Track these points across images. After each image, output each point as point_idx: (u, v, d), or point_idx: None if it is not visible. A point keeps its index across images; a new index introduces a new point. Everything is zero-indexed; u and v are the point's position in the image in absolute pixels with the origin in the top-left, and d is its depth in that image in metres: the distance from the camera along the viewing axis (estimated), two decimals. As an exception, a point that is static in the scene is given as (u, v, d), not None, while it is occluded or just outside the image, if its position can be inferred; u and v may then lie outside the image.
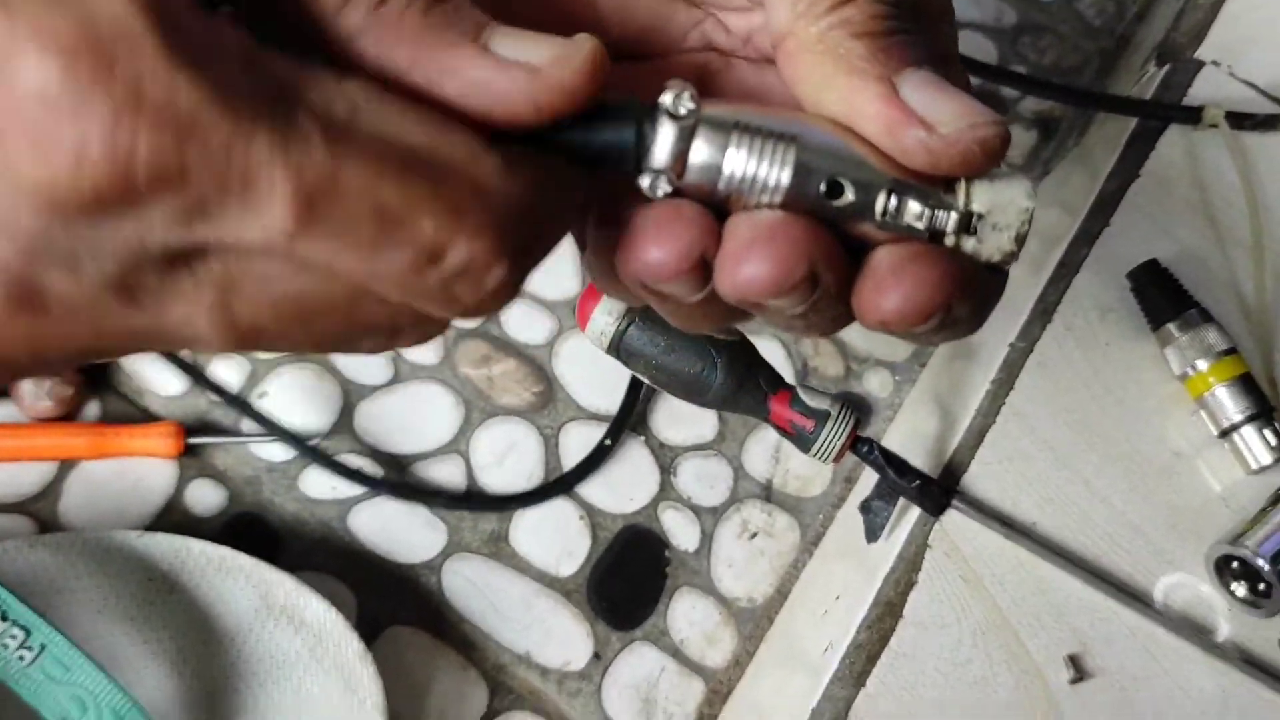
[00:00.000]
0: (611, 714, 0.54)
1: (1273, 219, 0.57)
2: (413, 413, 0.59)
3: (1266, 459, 0.50)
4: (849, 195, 0.22)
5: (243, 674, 0.48)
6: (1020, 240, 0.22)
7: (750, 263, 0.22)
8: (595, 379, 0.62)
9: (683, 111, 0.22)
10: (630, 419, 0.60)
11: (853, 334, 0.67)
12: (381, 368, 0.60)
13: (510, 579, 0.56)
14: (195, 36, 0.17)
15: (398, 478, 0.57)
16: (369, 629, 0.53)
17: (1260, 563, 0.45)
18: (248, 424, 0.57)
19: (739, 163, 0.22)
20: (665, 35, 0.28)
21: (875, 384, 0.66)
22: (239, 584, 0.49)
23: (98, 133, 0.16)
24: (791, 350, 0.66)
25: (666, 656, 0.56)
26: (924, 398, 0.63)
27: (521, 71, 0.20)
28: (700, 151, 0.22)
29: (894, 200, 0.22)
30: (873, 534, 0.50)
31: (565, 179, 0.22)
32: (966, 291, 0.22)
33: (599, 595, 0.57)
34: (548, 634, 0.55)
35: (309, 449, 0.56)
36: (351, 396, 0.59)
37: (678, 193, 0.22)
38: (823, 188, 0.22)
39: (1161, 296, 0.53)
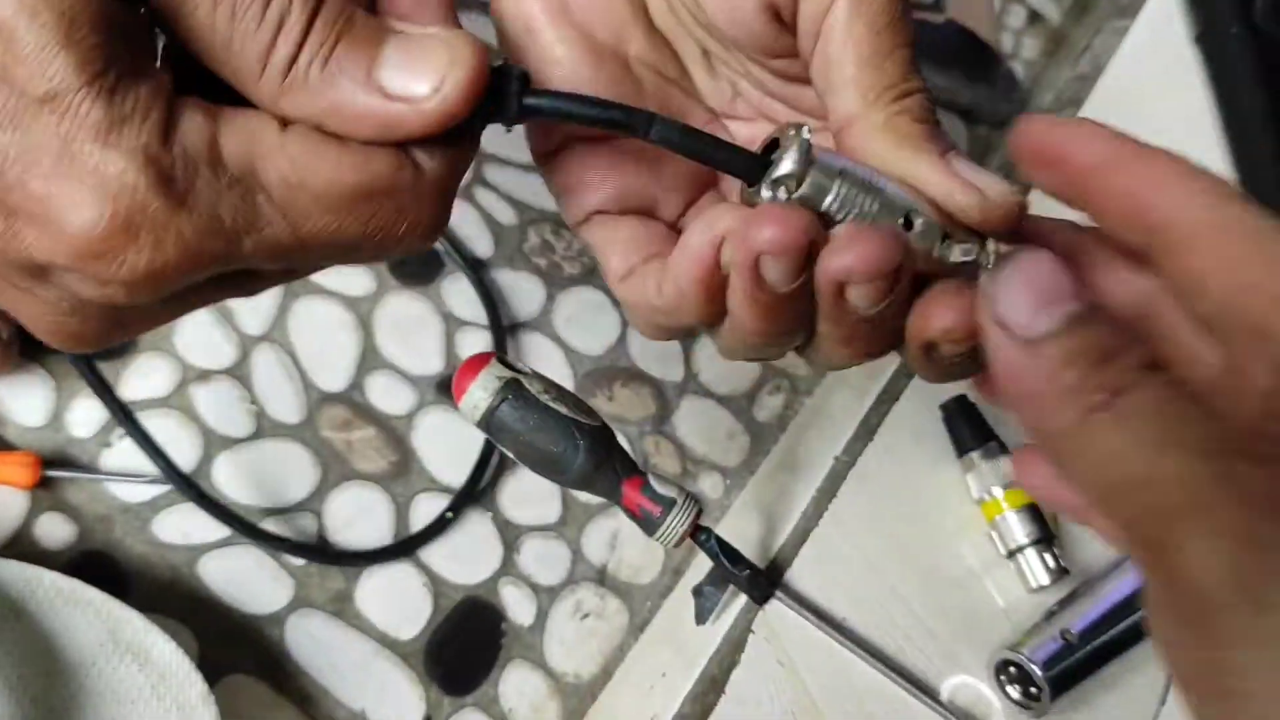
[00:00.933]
0: (437, 775, 0.57)
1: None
2: (271, 468, 0.61)
3: (1045, 580, 0.57)
4: (919, 228, 0.29)
5: (83, 706, 0.49)
6: None
7: (859, 243, 0.27)
8: (451, 454, 0.65)
9: (809, 137, 0.29)
10: (474, 493, 0.64)
11: (691, 437, 0.73)
12: (244, 421, 0.61)
13: (352, 638, 0.58)
14: None
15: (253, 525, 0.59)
16: (209, 675, 0.53)
17: (1033, 668, 0.52)
18: (106, 462, 0.57)
19: (841, 191, 0.29)
20: None
21: (708, 485, 0.71)
22: (87, 617, 0.50)
23: None
24: (634, 447, 0.71)
25: (494, 724, 0.59)
26: (751, 502, 0.68)
27: (408, 107, 0.26)
28: (815, 174, 0.28)
29: (949, 239, 0.29)
30: (702, 616, 0.55)
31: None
32: None
33: (435, 661, 0.59)
34: (383, 694, 0.57)
35: (183, 479, 0.57)
36: (212, 447, 0.60)
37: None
38: (901, 221, 0.29)
39: (967, 428, 0.60)
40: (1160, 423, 0.23)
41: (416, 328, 0.68)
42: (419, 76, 0.26)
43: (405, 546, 0.61)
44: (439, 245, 0.70)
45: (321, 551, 0.60)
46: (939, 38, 0.88)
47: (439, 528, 0.62)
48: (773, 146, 0.30)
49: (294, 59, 0.25)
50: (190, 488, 0.57)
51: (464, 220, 0.73)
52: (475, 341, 0.68)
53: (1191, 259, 0.25)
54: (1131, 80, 0.81)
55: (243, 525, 0.58)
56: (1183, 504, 0.22)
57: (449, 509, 0.63)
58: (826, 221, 0.29)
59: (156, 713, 0.50)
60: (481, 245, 0.73)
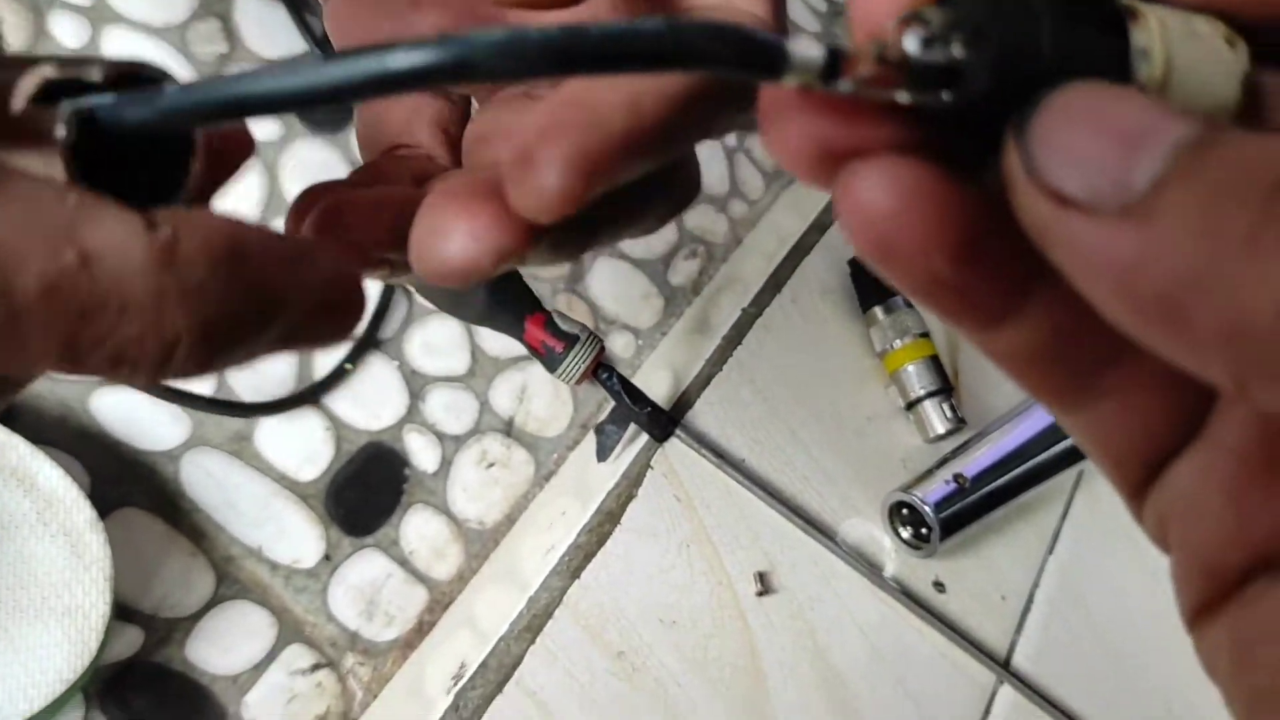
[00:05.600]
0: (335, 611, 0.57)
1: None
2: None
3: (942, 429, 0.58)
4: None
5: (-35, 525, 0.48)
6: None
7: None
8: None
9: None
10: (374, 341, 0.63)
11: (605, 298, 0.72)
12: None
13: (250, 477, 0.58)
14: None
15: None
16: (100, 508, 0.52)
17: (925, 508, 0.53)
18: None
19: None
20: None
21: (619, 344, 0.71)
22: (-31, 440, 0.49)
23: None
24: (547, 304, 0.70)
25: (395, 564, 0.59)
26: (661, 362, 0.69)
27: None
28: None
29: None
30: (603, 453, 0.55)
31: None
32: None
33: (336, 502, 0.59)
34: (281, 532, 0.57)
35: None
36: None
37: None
38: None
39: (873, 283, 0.60)
40: None
41: (323, 175, 0.67)
42: None
43: (305, 396, 0.60)
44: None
45: (219, 403, 0.58)
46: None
47: (336, 378, 0.61)
48: None
49: None
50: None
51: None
52: (383, 190, 0.67)
53: None
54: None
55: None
56: None
57: (347, 360, 0.62)
58: None
59: (42, 539, 0.49)
60: (393, 97, 0.71)
